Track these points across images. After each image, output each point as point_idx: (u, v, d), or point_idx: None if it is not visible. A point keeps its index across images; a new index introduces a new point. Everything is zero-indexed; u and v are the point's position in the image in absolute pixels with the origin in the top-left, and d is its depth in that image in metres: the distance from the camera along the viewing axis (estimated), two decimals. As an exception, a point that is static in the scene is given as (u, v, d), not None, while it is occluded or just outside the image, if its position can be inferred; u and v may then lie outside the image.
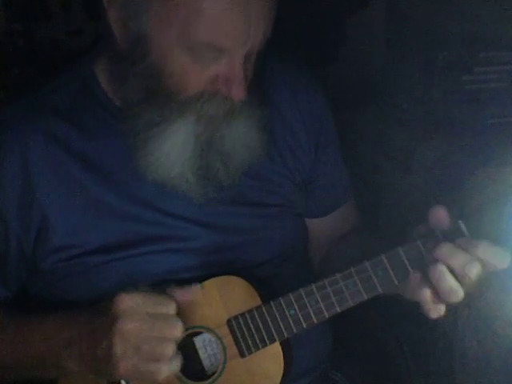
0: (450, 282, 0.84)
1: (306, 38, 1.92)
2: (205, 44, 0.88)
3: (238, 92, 0.92)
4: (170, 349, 0.87)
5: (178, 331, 0.88)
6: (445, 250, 0.84)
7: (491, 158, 0.96)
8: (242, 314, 0.95)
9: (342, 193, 1.21)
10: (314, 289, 0.91)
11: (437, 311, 0.87)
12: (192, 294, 0.94)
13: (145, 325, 0.87)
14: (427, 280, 0.86)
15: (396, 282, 0.89)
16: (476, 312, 1.21)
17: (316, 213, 1.19)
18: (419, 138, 1.63)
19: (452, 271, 0.84)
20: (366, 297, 0.90)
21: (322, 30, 1.97)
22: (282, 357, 0.95)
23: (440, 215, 0.85)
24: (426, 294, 0.86)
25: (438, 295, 0.86)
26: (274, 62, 1.12)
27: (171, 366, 0.88)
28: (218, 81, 0.92)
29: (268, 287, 1.01)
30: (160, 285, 0.99)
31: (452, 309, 1.27)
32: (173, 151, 0.95)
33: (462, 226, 0.84)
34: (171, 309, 0.89)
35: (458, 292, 0.84)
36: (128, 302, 0.87)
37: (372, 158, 1.71)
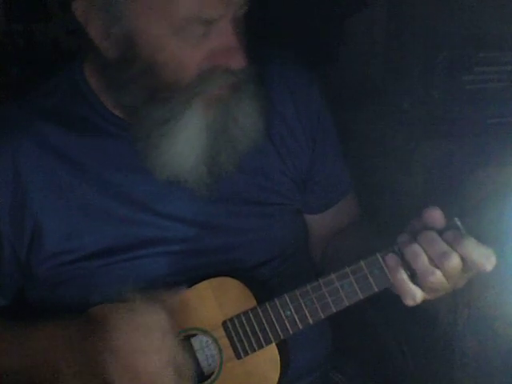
0: (424, 261, 0.84)
1: (306, 37, 1.92)
2: (191, 19, 0.86)
3: (239, 59, 0.89)
4: None
5: None
6: (427, 236, 0.84)
7: (491, 158, 0.96)
8: (238, 316, 0.94)
9: (342, 187, 1.20)
10: (310, 289, 0.91)
11: (411, 296, 0.86)
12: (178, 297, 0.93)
13: None
14: (405, 263, 0.86)
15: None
16: (476, 312, 1.22)
17: (315, 209, 1.18)
18: (419, 138, 1.63)
19: (430, 259, 0.84)
20: (361, 296, 0.90)
21: (322, 30, 1.97)
22: (278, 358, 0.95)
23: (435, 216, 0.85)
24: (402, 276, 0.86)
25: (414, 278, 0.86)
26: (273, 61, 1.11)
27: None
28: (214, 56, 0.90)
29: (264, 288, 1.01)
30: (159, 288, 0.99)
31: (452, 309, 1.27)
32: (187, 145, 0.93)
33: (458, 223, 0.84)
34: None
35: (434, 274, 0.83)
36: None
37: (372, 158, 1.70)
